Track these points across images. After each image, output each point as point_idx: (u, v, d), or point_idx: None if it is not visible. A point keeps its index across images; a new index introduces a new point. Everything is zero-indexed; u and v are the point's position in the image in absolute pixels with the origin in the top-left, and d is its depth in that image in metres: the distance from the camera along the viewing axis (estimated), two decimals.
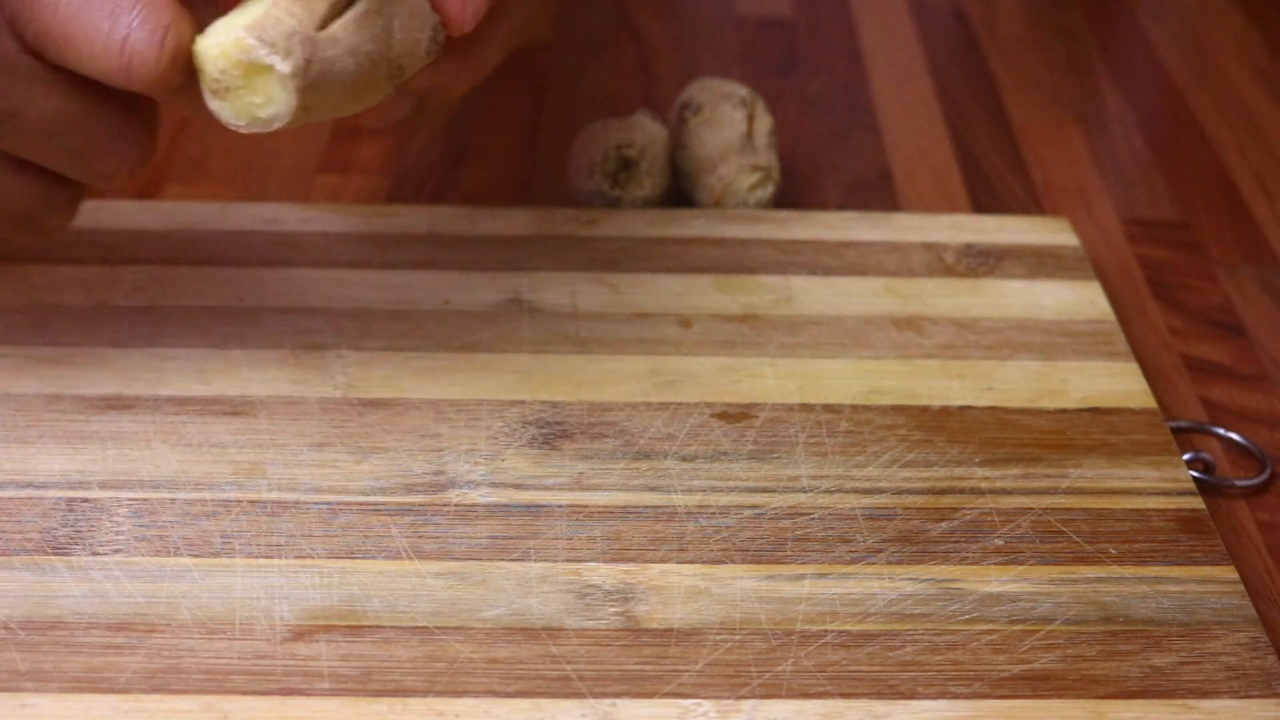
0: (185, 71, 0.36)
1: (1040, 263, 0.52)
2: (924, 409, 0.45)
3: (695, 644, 0.37)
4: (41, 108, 0.36)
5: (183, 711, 0.35)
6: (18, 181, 0.37)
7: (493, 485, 0.42)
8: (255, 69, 0.36)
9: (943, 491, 0.42)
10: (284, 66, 0.36)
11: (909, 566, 0.40)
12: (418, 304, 0.48)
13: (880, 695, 0.36)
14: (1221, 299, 0.54)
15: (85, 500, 0.40)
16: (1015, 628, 0.38)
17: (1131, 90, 0.67)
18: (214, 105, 0.36)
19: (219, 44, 0.36)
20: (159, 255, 0.49)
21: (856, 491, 0.42)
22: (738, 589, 0.39)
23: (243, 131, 0.37)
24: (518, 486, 0.42)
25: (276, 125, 0.36)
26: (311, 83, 0.36)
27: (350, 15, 0.37)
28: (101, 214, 0.51)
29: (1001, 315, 0.49)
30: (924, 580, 0.40)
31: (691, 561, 0.40)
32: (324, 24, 0.37)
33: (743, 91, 0.56)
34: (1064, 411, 0.45)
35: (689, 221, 0.53)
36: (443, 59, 0.40)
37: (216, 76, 0.36)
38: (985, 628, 0.38)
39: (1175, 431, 0.46)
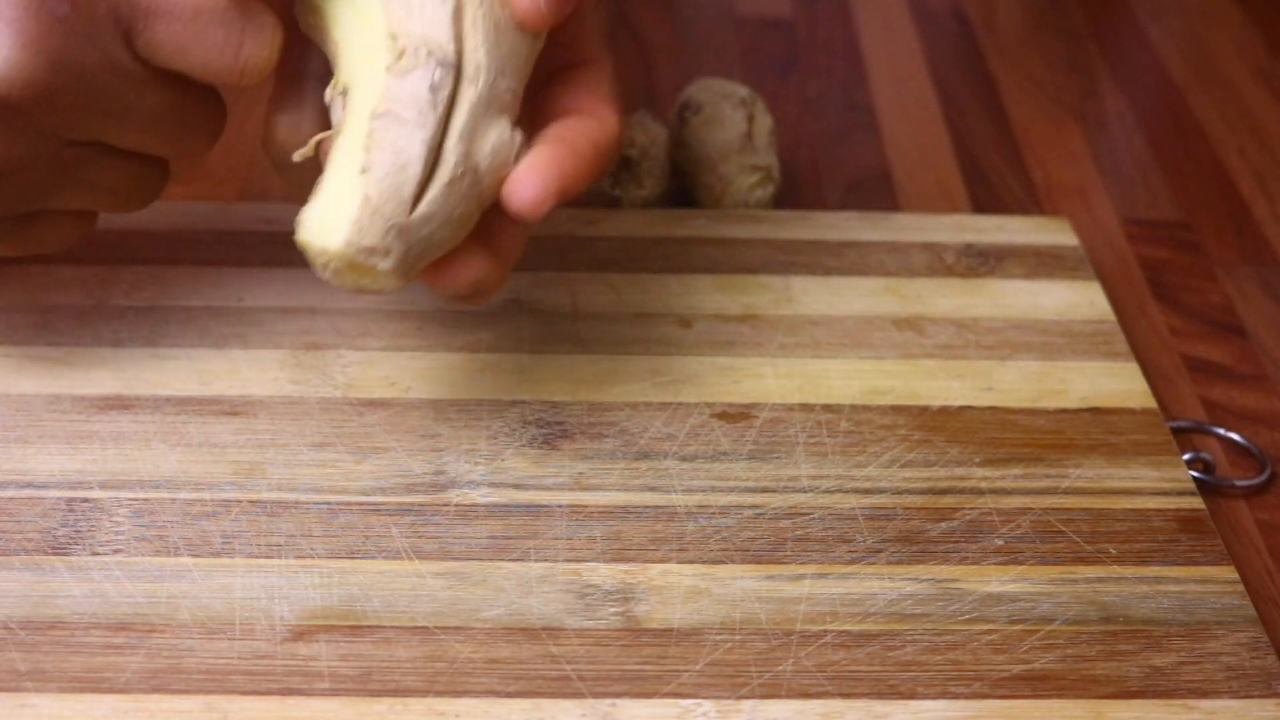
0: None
1: (1040, 263, 0.52)
2: (924, 409, 0.45)
3: (695, 644, 0.37)
4: (148, 104, 0.39)
5: (183, 711, 0.35)
6: (124, 165, 0.41)
7: (493, 485, 0.42)
8: (359, 266, 0.36)
9: (943, 491, 0.42)
10: (385, 265, 0.36)
11: (909, 566, 0.40)
12: (418, 304, 0.48)
13: (880, 695, 0.36)
14: (1221, 299, 0.54)
15: (85, 500, 0.40)
16: (1015, 628, 0.38)
17: (1131, 90, 0.67)
18: (321, 274, 0.37)
19: (323, 251, 0.36)
20: (159, 255, 0.49)
21: (856, 491, 0.42)
22: (738, 589, 0.39)
23: (348, 291, 0.38)
24: (518, 486, 0.42)
25: (386, 293, 0.38)
26: (415, 258, 0.37)
27: (438, 185, 0.37)
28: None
29: (1001, 315, 0.49)
30: (924, 580, 0.40)
31: (691, 561, 0.40)
32: (415, 200, 0.36)
33: (743, 91, 0.56)
34: (1064, 411, 0.45)
35: (689, 221, 0.53)
36: (482, 258, 0.40)
37: (320, 266, 0.37)
38: (985, 628, 0.38)
39: (1175, 431, 0.46)
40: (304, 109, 0.40)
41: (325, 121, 0.40)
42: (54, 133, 0.38)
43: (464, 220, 0.38)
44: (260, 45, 0.38)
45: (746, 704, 0.36)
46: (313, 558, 0.39)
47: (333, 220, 0.36)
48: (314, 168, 0.39)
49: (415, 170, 0.36)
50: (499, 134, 0.38)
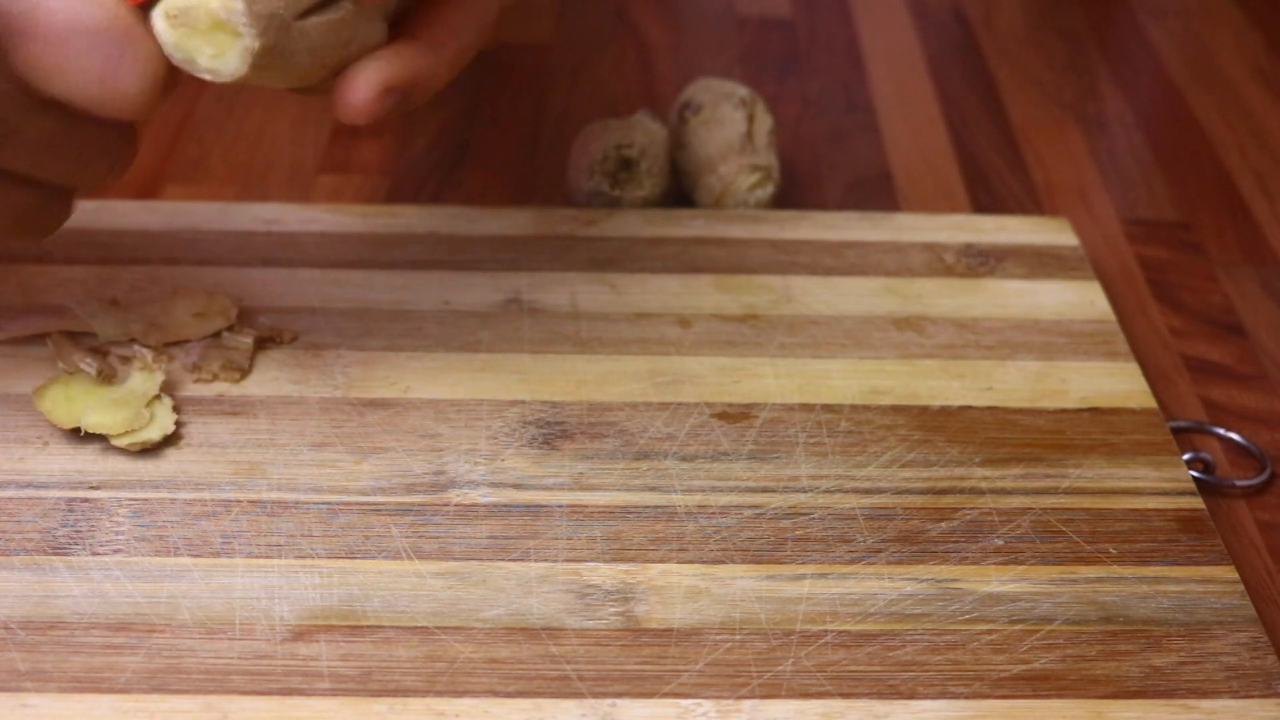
0: (161, 100, 0.36)
1: (1040, 263, 0.52)
2: (924, 409, 0.45)
3: (695, 644, 0.37)
4: (35, 129, 0.36)
5: (183, 711, 0.35)
6: (13, 190, 0.38)
7: (493, 485, 0.42)
8: (222, 27, 0.35)
9: (943, 491, 0.42)
10: (251, 42, 0.35)
11: (909, 566, 0.40)
12: (418, 304, 0.48)
13: (880, 695, 0.36)
14: (1221, 299, 0.54)
15: (85, 500, 0.40)
16: (1015, 628, 0.38)
17: (1131, 90, 0.67)
18: (160, 25, 0.36)
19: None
20: (159, 255, 0.49)
21: (856, 491, 0.42)
22: (738, 589, 0.39)
23: (170, 60, 0.36)
24: (518, 486, 0.42)
25: (207, 78, 0.36)
26: (264, 63, 0.36)
27: (327, 18, 0.37)
28: (101, 214, 0.51)
29: (1001, 315, 0.49)
30: (924, 580, 0.40)
31: (691, 561, 0.40)
32: (303, 15, 0.36)
33: (743, 91, 0.56)
34: (1064, 411, 0.45)
35: (689, 221, 0.53)
36: (418, 53, 0.39)
37: (182, 8, 0.35)
38: (985, 628, 0.38)
39: (1175, 431, 0.46)
40: None
41: None
42: None
43: (319, 63, 0.38)
44: (136, 76, 0.36)
45: (746, 704, 0.36)
46: (313, 558, 0.39)
47: None
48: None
49: None
50: (379, 29, 0.39)
